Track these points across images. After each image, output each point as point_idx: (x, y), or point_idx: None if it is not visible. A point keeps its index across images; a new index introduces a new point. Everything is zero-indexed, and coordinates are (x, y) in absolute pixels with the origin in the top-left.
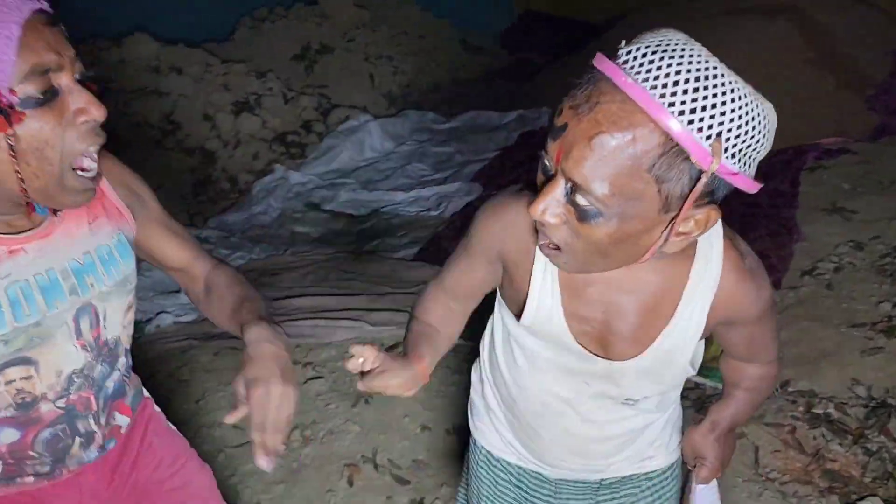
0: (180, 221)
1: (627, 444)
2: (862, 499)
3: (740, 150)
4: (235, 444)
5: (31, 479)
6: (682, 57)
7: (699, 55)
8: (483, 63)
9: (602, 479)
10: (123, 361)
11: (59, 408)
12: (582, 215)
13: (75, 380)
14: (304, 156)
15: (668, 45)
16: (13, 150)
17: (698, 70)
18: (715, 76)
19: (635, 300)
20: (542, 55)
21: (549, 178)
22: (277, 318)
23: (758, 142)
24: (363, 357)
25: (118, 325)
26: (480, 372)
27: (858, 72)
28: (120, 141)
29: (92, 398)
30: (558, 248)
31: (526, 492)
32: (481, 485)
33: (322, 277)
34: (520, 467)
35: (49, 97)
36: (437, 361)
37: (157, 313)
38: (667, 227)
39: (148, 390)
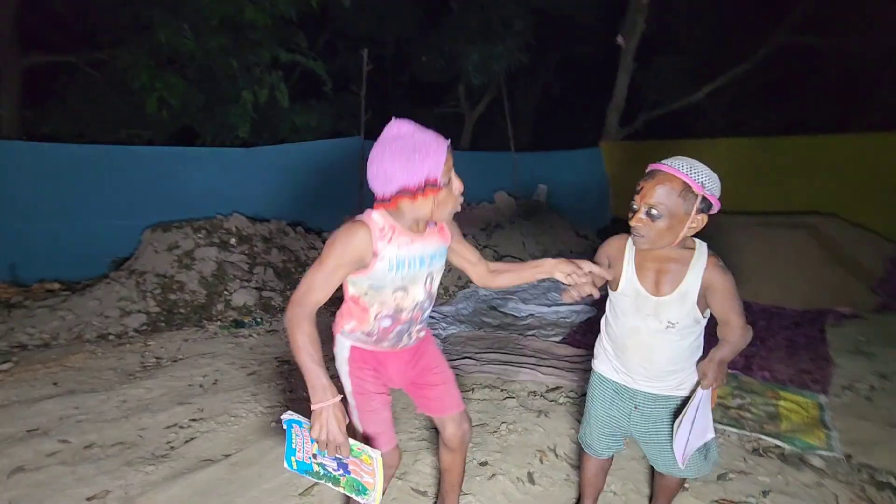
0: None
1: (670, 367)
2: None
3: (709, 188)
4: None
5: (386, 345)
6: (686, 160)
7: (693, 161)
8: (587, 244)
9: (656, 394)
10: (432, 303)
11: (408, 316)
12: (652, 218)
13: (418, 305)
14: None
15: (682, 158)
16: (434, 202)
17: (692, 163)
18: (699, 165)
19: (669, 268)
20: None
21: (636, 211)
22: (483, 362)
23: (715, 186)
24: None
25: (437, 286)
26: (601, 332)
27: (862, 268)
28: None
29: (420, 316)
30: (641, 237)
31: (616, 394)
32: (592, 395)
33: (503, 346)
34: (615, 381)
35: (448, 183)
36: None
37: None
38: (686, 223)
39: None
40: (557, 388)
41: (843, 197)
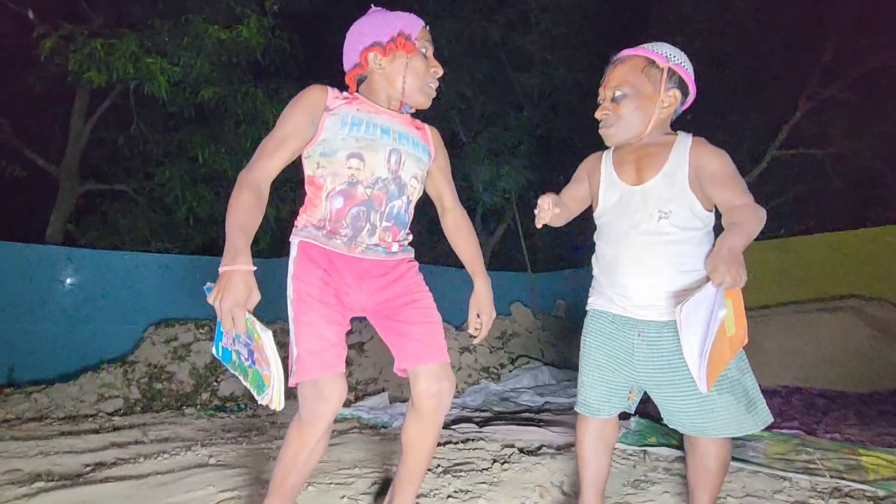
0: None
1: (673, 277)
2: None
3: (676, 60)
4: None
5: (339, 242)
6: (651, 43)
7: (658, 42)
8: None
9: (662, 321)
10: (404, 204)
11: (366, 194)
12: (617, 102)
13: (380, 182)
14: (500, 379)
15: (650, 44)
16: (407, 67)
17: (655, 43)
18: (663, 43)
19: (649, 153)
20: None
21: (602, 102)
22: (483, 424)
23: (684, 60)
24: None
25: (410, 175)
26: (593, 270)
27: None
28: None
29: (384, 200)
30: (610, 127)
31: (615, 325)
32: (587, 336)
33: (511, 418)
34: (612, 313)
35: (425, 54)
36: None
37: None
38: (656, 102)
39: None
40: (571, 444)
41: (879, 287)
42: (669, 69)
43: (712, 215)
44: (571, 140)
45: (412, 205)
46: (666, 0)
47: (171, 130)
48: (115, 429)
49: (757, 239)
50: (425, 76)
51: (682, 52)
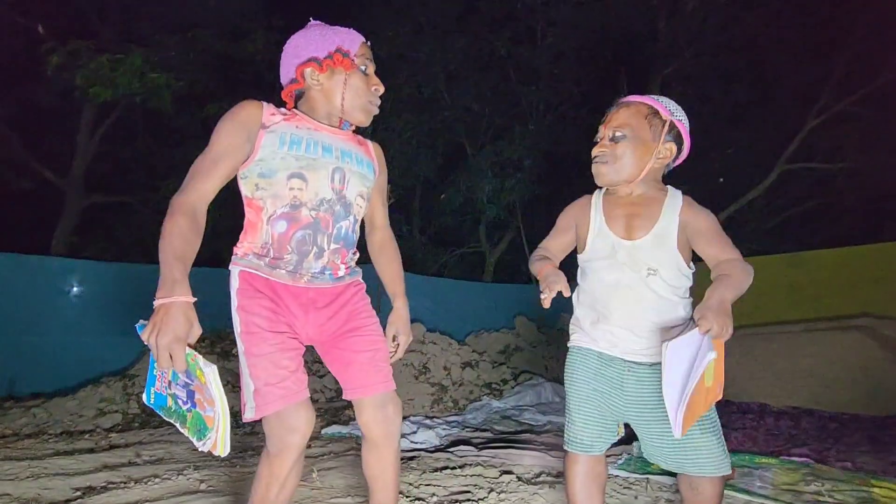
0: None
1: (658, 321)
2: None
3: (678, 116)
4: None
5: (283, 272)
6: (656, 96)
7: (664, 97)
8: None
9: (650, 363)
10: (351, 224)
11: (311, 216)
12: (616, 141)
13: (324, 203)
14: (502, 396)
15: (656, 96)
16: (345, 85)
17: (664, 98)
18: (670, 101)
19: (640, 211)
20: None
21: (600, 140)
22: (482, 447)
23: (684, 117)
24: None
25: (355, 194)
26: (574, 308)
27: None
28: None
29: (330, 222)
30: (604, 163)
31: (602, 361)
32: (572, 372)
33: (512, 440)
34: (598, 350)
35: (364, 71)
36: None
37: None
38: (653, 151)
39: None
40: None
41: (893, 305)
42: (671, 122)
43: (692, 270)
44: (577, 154)
45: (358, 224)
46: (674, 15)
47: (177, 144)
48: (111, 447)
49: (767, 254)
50: (366, 93)
51: (682, 111)
